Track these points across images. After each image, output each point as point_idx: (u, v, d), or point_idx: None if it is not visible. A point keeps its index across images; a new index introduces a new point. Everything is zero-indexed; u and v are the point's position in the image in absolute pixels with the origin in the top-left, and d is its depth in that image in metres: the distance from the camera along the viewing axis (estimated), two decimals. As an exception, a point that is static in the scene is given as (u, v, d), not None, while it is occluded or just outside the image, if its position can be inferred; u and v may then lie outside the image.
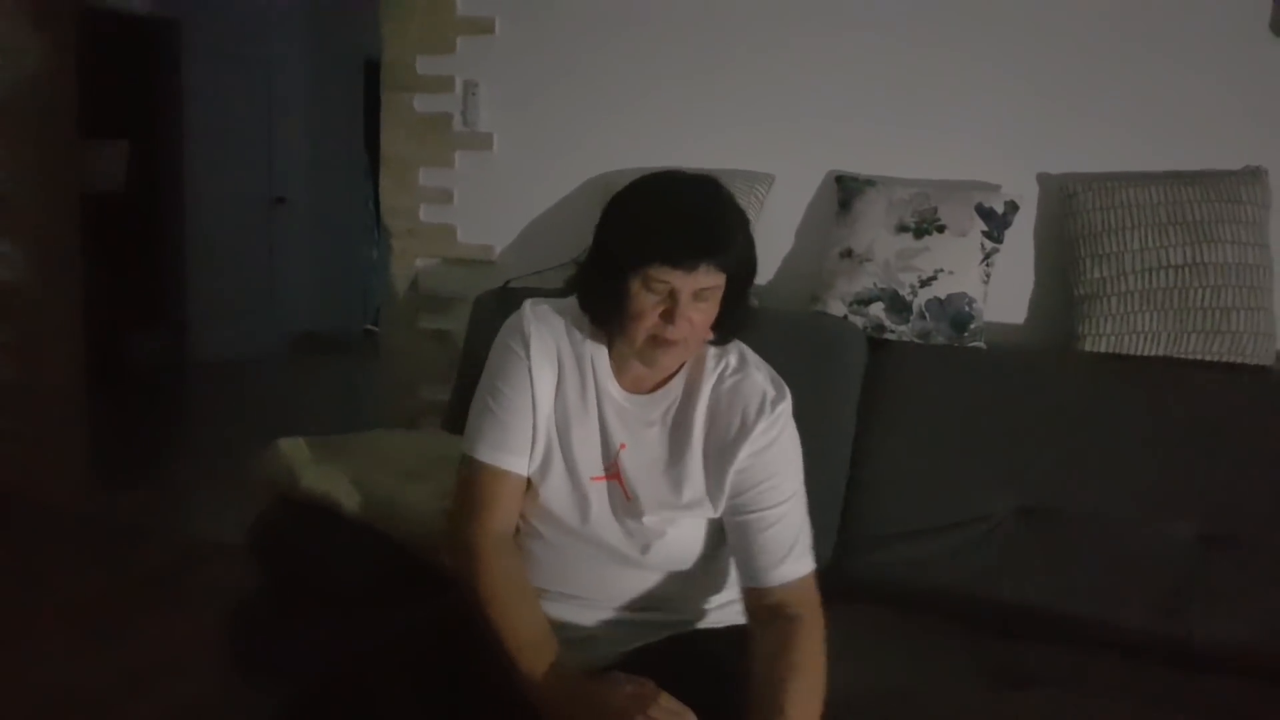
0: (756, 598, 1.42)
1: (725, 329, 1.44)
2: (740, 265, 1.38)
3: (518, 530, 1.49)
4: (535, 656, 1.34)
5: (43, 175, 3.57)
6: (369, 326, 7.20)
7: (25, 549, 3.24)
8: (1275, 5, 2.14)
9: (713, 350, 1.48)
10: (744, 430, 1.43)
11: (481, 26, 2.78)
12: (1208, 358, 2.07)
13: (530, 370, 1.45)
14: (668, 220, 1.34)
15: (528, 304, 1.51)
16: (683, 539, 1.43)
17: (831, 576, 1.44)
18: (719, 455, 1.43)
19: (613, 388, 1.47)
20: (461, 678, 1.40)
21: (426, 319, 2.93)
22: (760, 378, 1.47)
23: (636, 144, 2.64)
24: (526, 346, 1.46)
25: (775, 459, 1.44)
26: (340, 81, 6.94)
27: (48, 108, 3.57)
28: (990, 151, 2.34)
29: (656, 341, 1.37)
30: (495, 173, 2.82)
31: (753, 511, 1.42)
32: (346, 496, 1.87)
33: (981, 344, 2.23)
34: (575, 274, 1.47)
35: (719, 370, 1.47)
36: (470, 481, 1.47)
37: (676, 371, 1.48)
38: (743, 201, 2.41)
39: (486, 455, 1.45)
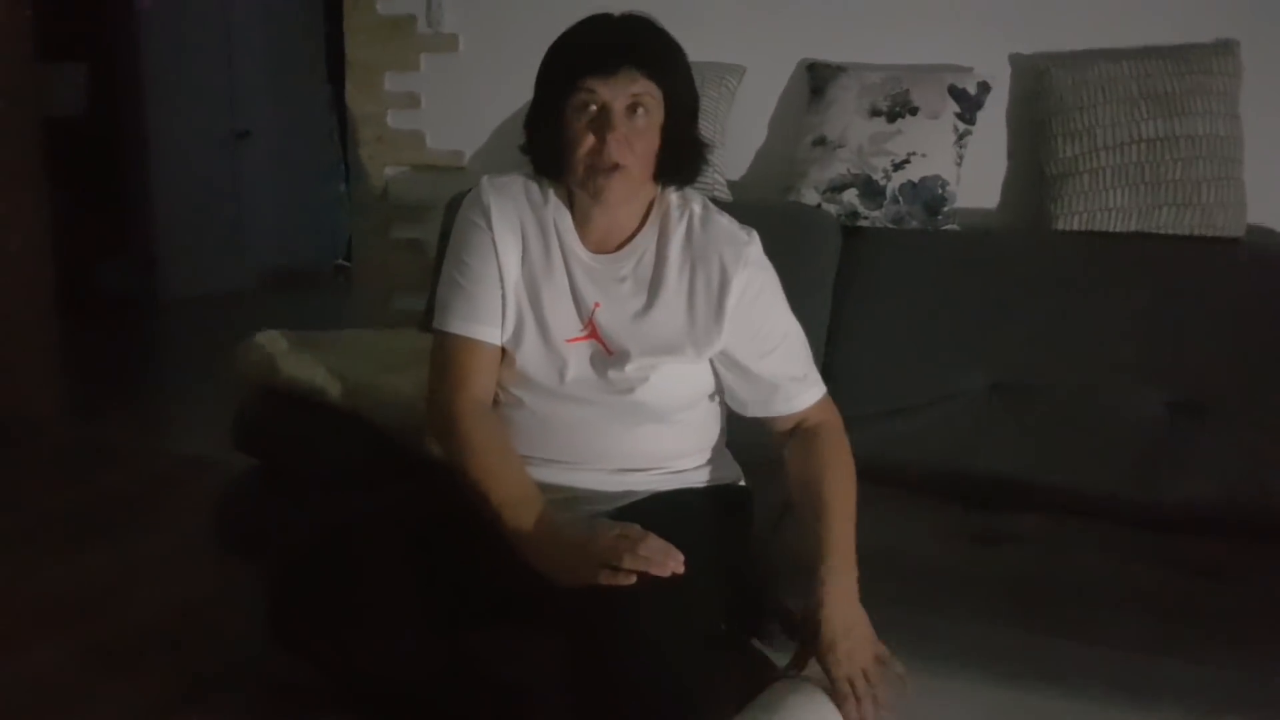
0: (778, 426, 1.50)
1: (676, 165, 1.45)
2: (674, 83, 1.40)
3: (497, 401, 1.50)
4: (522, 512, 1.35)
5: (3, 96, 3.47)
6: (340, 262, 7.12)
7: (-1, 468, 3.23)
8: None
9: (675, 201, 1.50)
10: (726, 276, 1.44)
11: (443, -79, 2.71)
12: (1179, 232, 2.08)
13: (494, 240, 1.46)
14: (591, 36, 1.39)
15: (485, 178, 1.51)
16: (666, 383, 1.44)
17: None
18: (708, 301, 1.44)
19: (579, 248, 1.47)
20: (449, 538, 1.41)
21: (398, 229, 2.90)
22: (725, 220, 1.50)
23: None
24: (487, 217, 1.46)
25: (766, 297, 1.47)
26: (299, 13, 6.78)
27: (3, 27, 3.47)
28: (962, 33, 2.32)
29: (596, 167, 1.37)
30: (462, 75, 2.78)
31: (757, 352, 1.46)
32: (328, 384, 1.86)
33: (955, 226, 2.24)
34: (524, 129, 1.48)
35: (685, 218, 1.48)
36: (445, 355, 1.47)
37: (642, 226, 1.48)
38: (714, 94, 2.40)
39: (458, 327, 1.46)
